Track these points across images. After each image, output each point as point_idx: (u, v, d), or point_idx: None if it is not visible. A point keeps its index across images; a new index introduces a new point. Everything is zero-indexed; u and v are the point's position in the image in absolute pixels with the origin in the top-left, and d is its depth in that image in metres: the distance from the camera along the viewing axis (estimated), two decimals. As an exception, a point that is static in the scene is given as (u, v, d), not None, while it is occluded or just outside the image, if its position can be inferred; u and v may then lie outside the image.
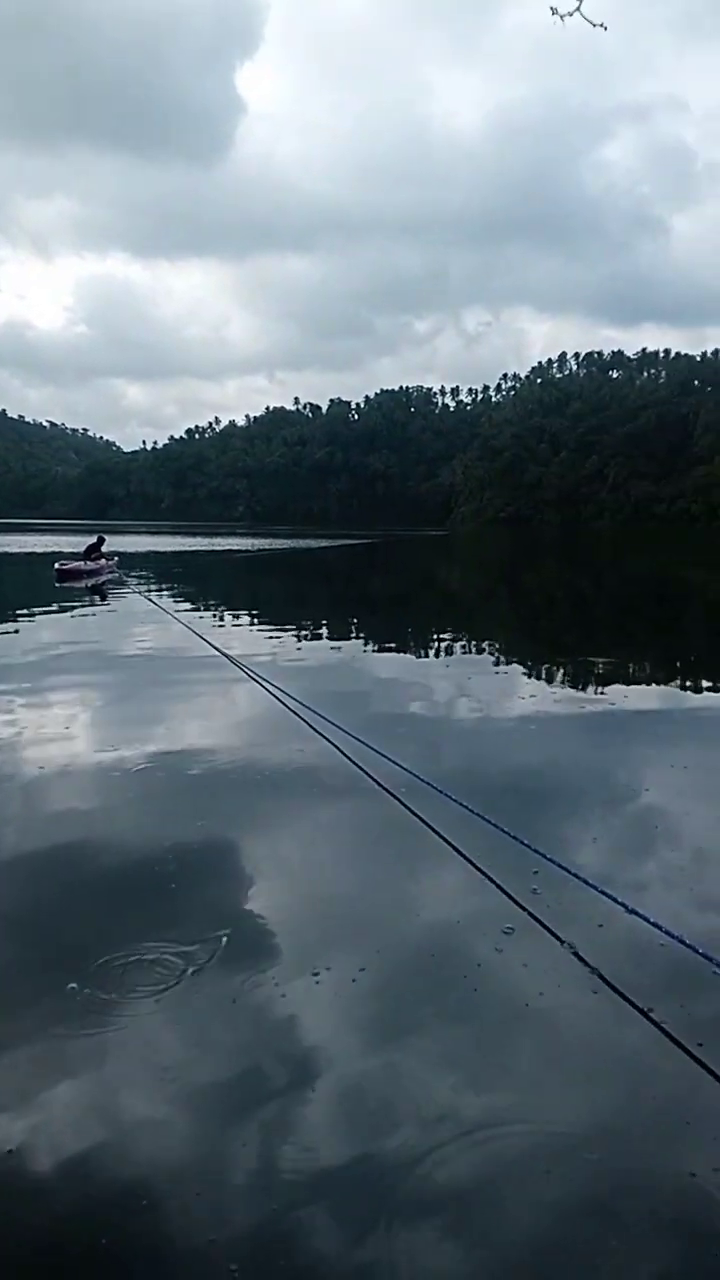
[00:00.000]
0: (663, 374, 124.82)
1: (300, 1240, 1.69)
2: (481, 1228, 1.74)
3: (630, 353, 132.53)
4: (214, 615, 12.94)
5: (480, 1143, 1.95)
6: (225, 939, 2.84)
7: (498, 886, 3.13)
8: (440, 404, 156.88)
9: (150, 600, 13.95)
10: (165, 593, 15.95)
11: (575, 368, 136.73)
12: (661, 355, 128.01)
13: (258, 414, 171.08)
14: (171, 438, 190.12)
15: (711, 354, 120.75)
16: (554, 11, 3.97)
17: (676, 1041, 2.24)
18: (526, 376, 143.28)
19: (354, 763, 4.68)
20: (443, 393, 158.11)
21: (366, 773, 4.48)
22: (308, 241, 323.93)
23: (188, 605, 13.98)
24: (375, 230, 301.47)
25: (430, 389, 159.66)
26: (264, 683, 6.68)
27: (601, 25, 4.17)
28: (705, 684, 7.89)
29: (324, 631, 11.59)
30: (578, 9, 3.93)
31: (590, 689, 7.45)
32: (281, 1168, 1.87)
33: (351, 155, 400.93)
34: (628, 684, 7.79)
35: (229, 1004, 2.49)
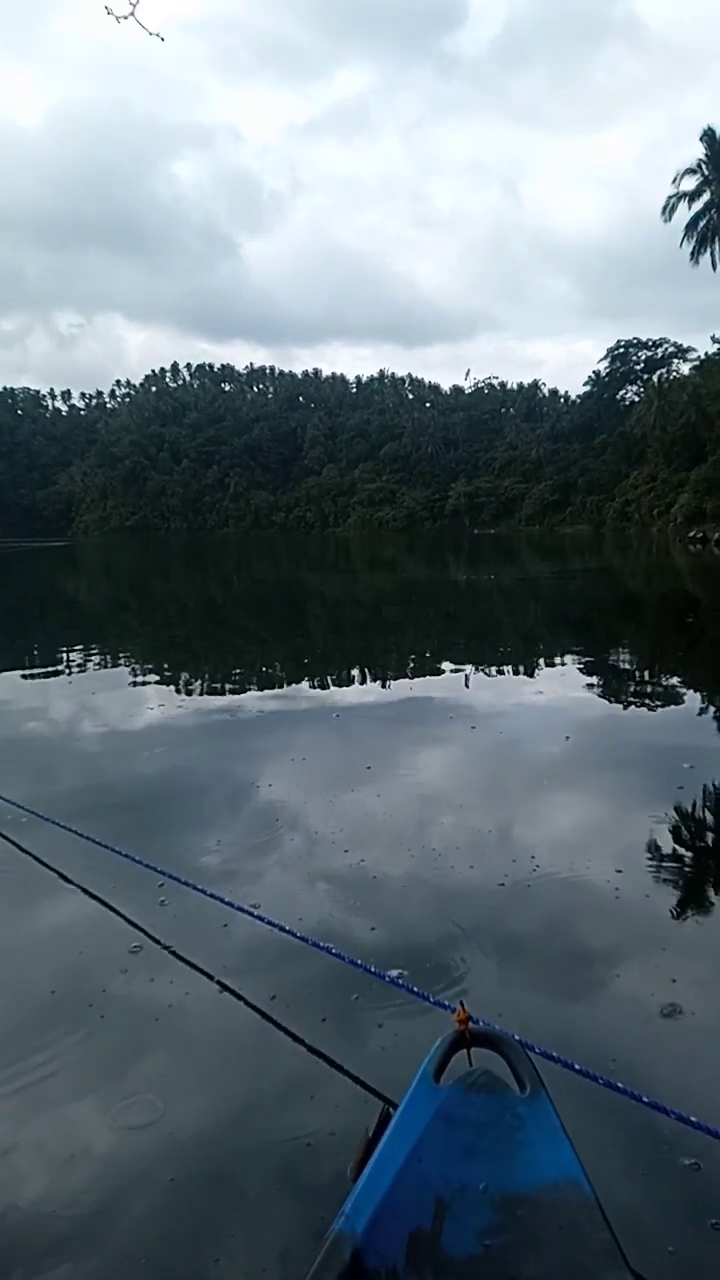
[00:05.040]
0: (271, 390, 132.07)
1: None
2: (94, 1245, 1.74)
3: (239, 367, 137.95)
4: None
5: (102, 1162, 1.94)
6: None
7: (112, 910, 3.10)
8: (52, 408, 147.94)
9: None
10: None
11: (189, 379, 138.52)
12: (269, 371, 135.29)
13: None
14: None
15: (313, 373, 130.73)
16: (109, 11, 3.98)
17: (287, 1030, 2.41)
18: (141, 385, 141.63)
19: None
20: (53, 396, 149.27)
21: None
22: None
23: None
24: None
25: (39, 391, 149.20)
26: None
27: (159, 35, 4.27)
28: (324, 678, 8.54)
29: None
30: (132, 13, 3.98)
31: (219, 693, 7.64)
32: None
33: None
34: (258, 685, 8.13)
35: None
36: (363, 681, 8.41)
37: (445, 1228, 1.47)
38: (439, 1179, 1.51)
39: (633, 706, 7.03)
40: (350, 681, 8.39)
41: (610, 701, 7.17)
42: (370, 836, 3.87)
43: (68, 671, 9.00)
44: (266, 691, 7.87)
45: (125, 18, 3.91)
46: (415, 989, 2.18)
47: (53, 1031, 2.43)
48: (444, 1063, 1.65)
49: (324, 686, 8.15)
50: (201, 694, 7.77)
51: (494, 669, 8.81)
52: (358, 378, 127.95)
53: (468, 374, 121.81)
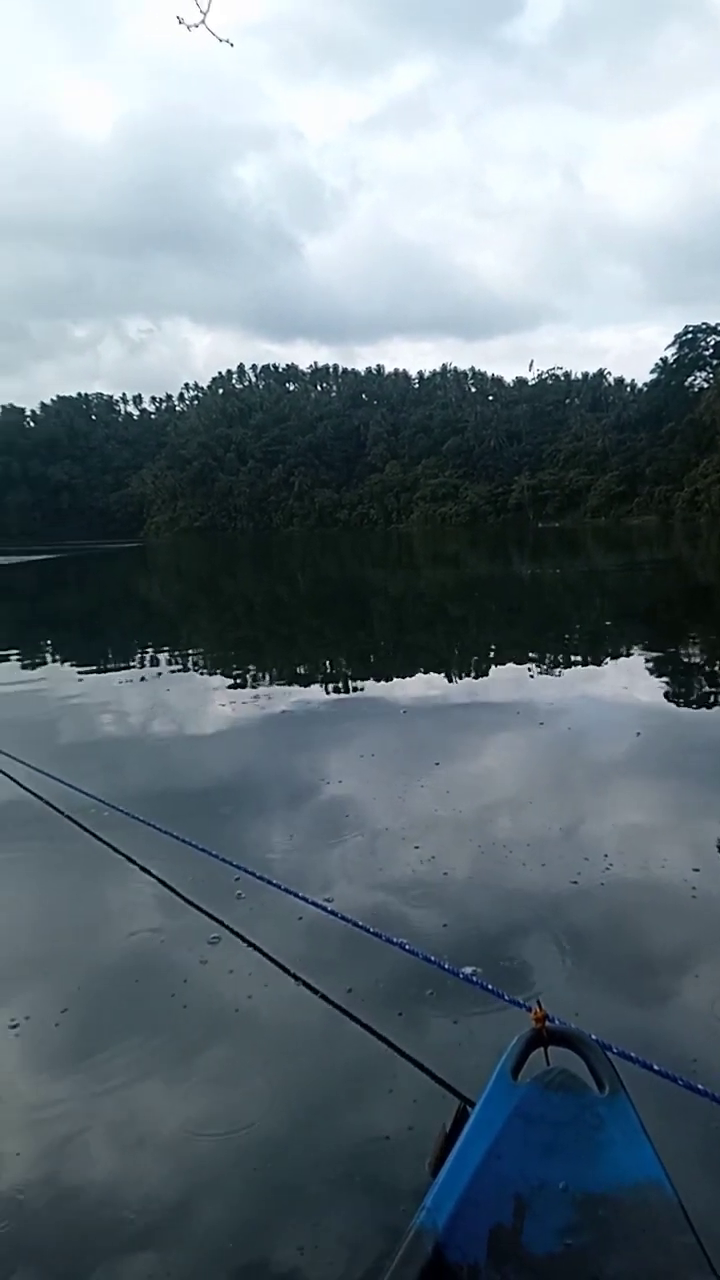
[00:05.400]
0: (334, 388, 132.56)
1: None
2: (175, 1236, 1.78)
3: (303, 366, 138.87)
4: None
5: (182, 1151, 1.99)
6: None
7: (189, 903, 3.18)
8: (124, 412, 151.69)
9: None
10: None
11: (254, 379, 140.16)
12: (332, 370, 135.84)
13: None
14: None
15: (375, 369, 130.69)
16: (181, 21, 4.05)
17: (364, 1024, 2.43)
18: (208, 387, 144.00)
19: (35, 795, 4.44)
20: (125, 400, 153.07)
21: (50, 805, 4.27)
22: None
23: None
24: (9, 231, 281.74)
25: (112, 397, 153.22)
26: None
27: (228, 41, 4.33)
28: (390, 675, 8.56)
29: (11, 656, 10.74)
30: (203, 21, 4.05)
31: (286, 690, 7.73)
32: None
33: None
34: (324, 682, 8.20)
35: None
36: (426, 677, 8.40)
37: (526, 1225, 1.47)
38: (519, 1176, 1.51)
39: (704, 702, 6.86)
40: (414, 677, 8.39)
41: (681, 697, 7.01)
42: (440, 832, 3.88)
43: (141, 670, 9.25)
44: (332, 688, 7.94)
45: (196, 26, 3.98)
46: (490, 986, 2.18)
47: (136, 1020, 2.52)
48: (521, 1060, 1.65)
49: (389, 682, 8.17)
50: (270, 691, 7.87)
51: (560, 664, 8.70)
52: (420, 373, 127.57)
53: (531, 365, 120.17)
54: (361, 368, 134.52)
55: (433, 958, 2.45)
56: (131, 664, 9.79)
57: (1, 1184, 1.92)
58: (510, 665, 8.79)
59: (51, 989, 2.69)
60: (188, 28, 4.28)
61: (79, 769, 4.82)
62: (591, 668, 8.40)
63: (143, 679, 8.55)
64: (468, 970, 2.47)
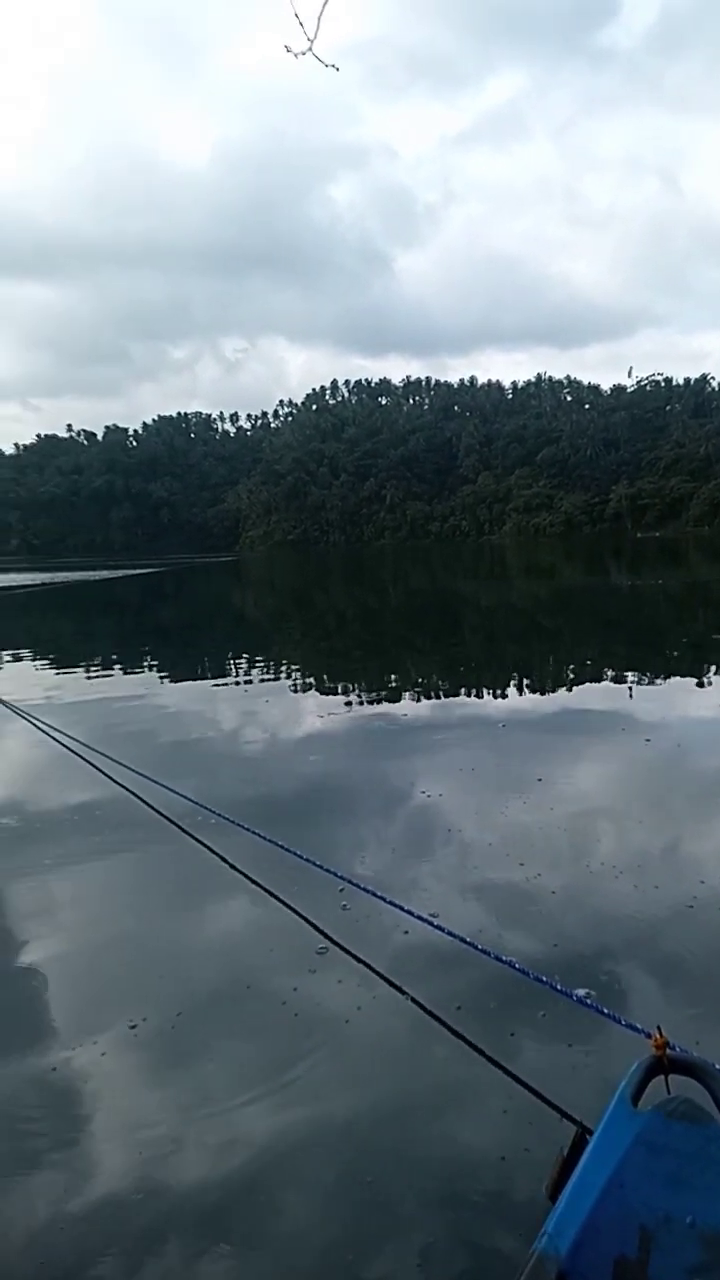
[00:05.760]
0: (426, 400, 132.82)
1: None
2: (288, 1244, 1.81)
3: (395, 380, 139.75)
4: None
5: (289, 1164, 2.02)
6: (21, 1008, 2.69)
7: (295, 912, 3.21)
8: (220, 430, 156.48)
9: None
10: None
11: (347, 394, 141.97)
12: (424, 382, 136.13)
13: (27, 442, 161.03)
14: None
15: (468, 382, 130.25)
16: (288, 49, 4.15)
17: (475, 1047, 2.40)
18: (302, 403, 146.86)
19: (141, 799, 4.59)
20: (222, 419, 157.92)
21: (155, 809, 4.40)
22: (45, 269, 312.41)
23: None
24: (114, 258, 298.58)
25: (209, 415, 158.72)
26: (41, 725, 6.36)
27: (333, 66, 4.40)
28: (484, 687, 8.48)
29: (115, 666, 11.17)
30: (309, 49, 4.13)
31: (380, 702, 7.76)
32: (65, 1203, 1.86)
33: (80, 183, 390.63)
34: (419, 694, 8.19)
35: (49, 1073, 2.38)
36: (521, 691, 8.27)
37: (652, 1259, 1.42)
38: (642, 1207, 1.46)
39: None
40: (510, 691, 8.28)
41: None
42: (545, 850, 3.81)
43: (239, 681, 9.45)
44: (427, 700, 7.91)
45: (303, 53, 4.07)
46: (606, 1010, 2.12)
47: (248, 1026, 2.57)
48: (641, 1087, 1.59)
49: (482, 696, 8.09)
50: (364, 703, 7.92)
51: (664, 678, 8.41)
52: (513, 383, 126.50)
53: (630, 372, 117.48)
54: (454, 379, 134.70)
55: (544, 978, 2.40)
56: (228, 675, 10.02)
57: (110, 1175, 1.99)
58: (610, 679, 8.56)
59: (167, 992, 2.77)
60: (295, 55, 4.38)
61: (182, 776, 4.96)
62: (698, 682, 8.09)
63: (245, 691, 8.74)
64: (581, 992, 2.41)
